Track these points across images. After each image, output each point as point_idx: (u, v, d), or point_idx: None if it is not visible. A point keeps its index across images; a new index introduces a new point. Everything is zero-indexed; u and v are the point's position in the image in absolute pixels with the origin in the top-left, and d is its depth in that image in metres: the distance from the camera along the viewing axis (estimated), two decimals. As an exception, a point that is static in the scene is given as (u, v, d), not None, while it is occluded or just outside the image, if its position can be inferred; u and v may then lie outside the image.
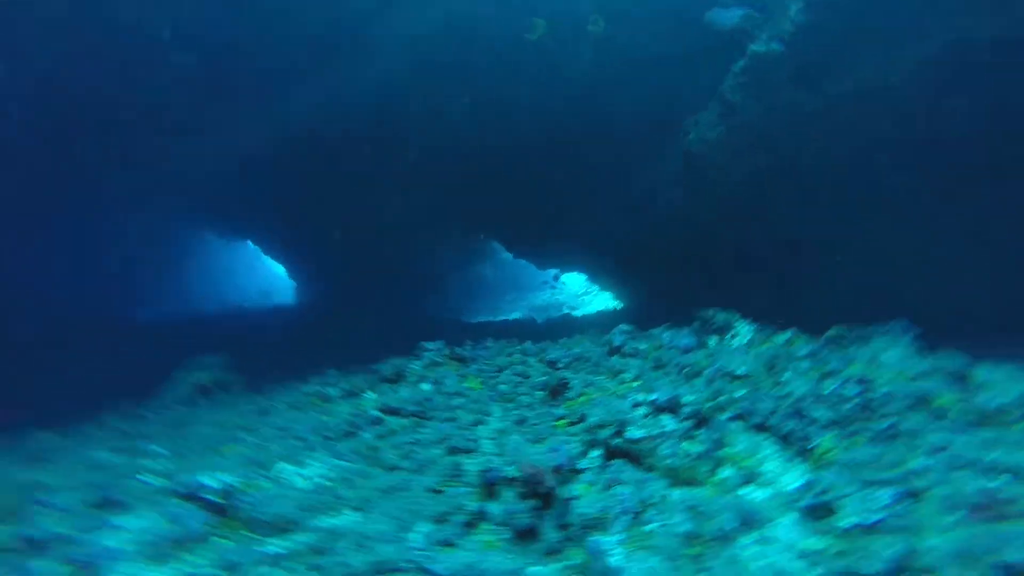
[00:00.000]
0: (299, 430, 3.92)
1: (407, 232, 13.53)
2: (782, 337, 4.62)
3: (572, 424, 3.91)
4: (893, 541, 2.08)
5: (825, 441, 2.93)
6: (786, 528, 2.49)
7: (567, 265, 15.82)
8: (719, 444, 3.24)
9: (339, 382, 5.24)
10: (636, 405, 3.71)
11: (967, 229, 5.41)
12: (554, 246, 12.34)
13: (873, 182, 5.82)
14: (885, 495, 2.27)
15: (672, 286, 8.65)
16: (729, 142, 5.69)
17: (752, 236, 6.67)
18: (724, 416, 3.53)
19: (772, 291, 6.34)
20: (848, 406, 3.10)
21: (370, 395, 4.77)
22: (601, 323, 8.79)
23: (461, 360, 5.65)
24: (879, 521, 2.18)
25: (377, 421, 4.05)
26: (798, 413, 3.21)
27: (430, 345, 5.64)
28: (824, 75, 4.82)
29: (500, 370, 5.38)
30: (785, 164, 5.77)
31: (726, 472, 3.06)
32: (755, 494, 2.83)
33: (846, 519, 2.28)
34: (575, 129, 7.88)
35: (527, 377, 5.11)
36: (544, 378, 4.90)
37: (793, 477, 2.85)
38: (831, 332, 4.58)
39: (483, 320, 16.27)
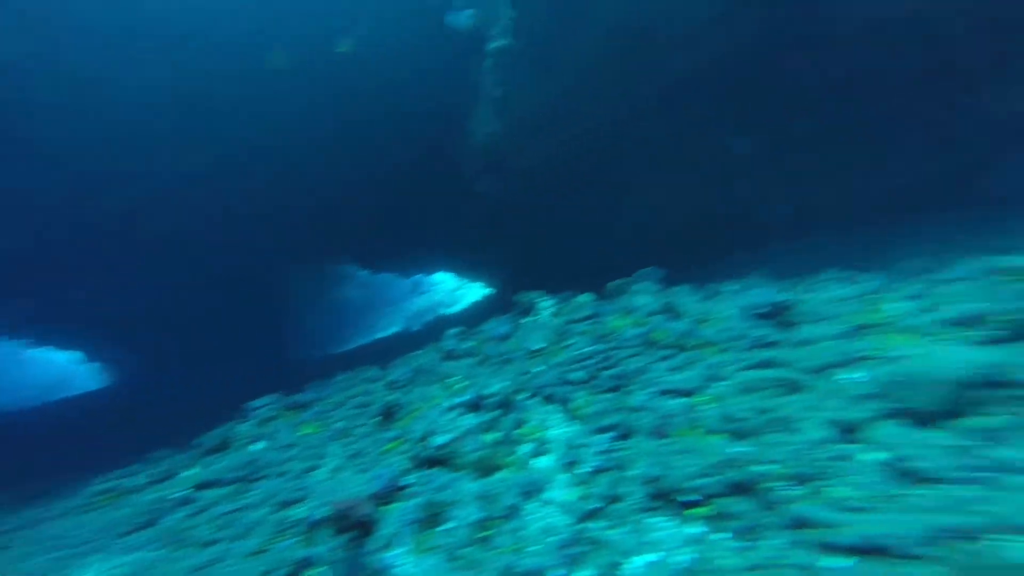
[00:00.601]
0: (79, 535, 3.53)
1: (249, 274, 12.36)
2: (579, 300, 5.27)
3: (403, 443, 4.09)
4: (611, 478, 2.63)
5: (579, 398, 3.50)
6: (559, 487, 2.96)
7: (429, 267, 15.87)
8: (518, 424, 3.68)
9: (147, 468, 4.77)
10: (451, 409, 4.02)
11: (706, 176, 6.66)
12: (409, 253, 12.30)
13: (634, 148, 6.82)
14: (605, 439, 2.83)
15: (510, 269, 9.26)
16: (508, 132, 6.21)
17: (555, 208, 7.41)
18: (522, 396, 3.99)
19: (579, 258, 7.17)
20: (593, 361, 3.73)
21: (188, 472, 4.44)
22: (475, 315, 9.06)
23: (299, 407, 5.48)
24: (600, 466, 2.72)
25: (187, 500, 3.82)
26: (566, 379, 3.77)
27: (260, 402, 5.37)
28: (554, 57, 5.40)
29: (340, 406, 5.34)
30: (559, 141, 6.45)
31: (524, 449, 3.50)
32: (542, 462, 3.30)
33: (584, 467, 2.80)
34: (368, 143, 7.88)
35: (367, 406, 5.16)
36: (382, 403, 5.00)
37: (566, 438, 3.37)
38: (608, 287, 5.36)
39: (353, 346, 15.69)
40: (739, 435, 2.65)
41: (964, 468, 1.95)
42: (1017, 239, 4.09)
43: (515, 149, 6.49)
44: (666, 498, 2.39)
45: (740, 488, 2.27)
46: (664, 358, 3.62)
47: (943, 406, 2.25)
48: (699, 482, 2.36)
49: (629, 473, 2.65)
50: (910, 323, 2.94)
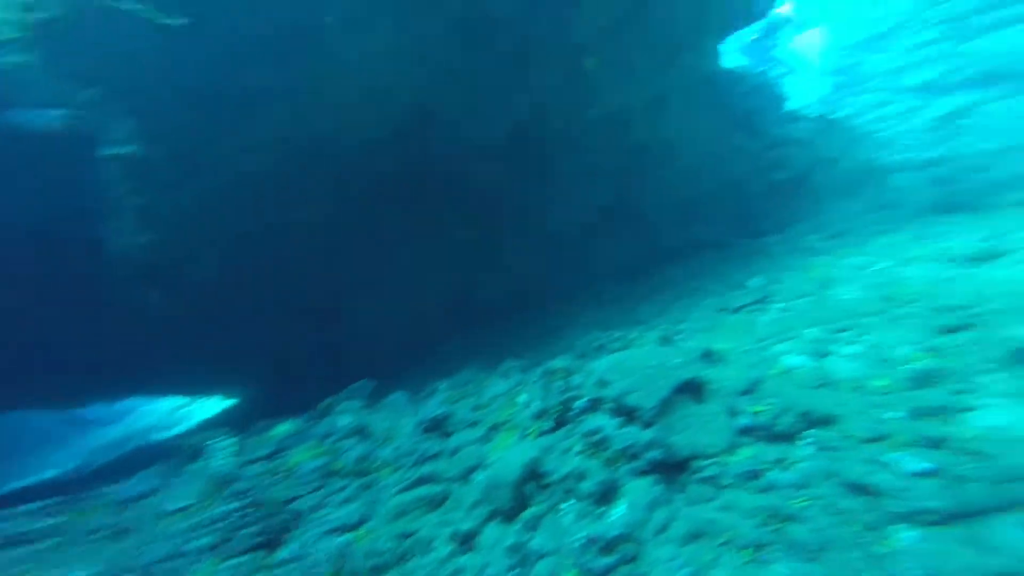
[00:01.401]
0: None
1: None
2: (276, 430, 4.92)
3: None
4: None
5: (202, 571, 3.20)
6: None
7: (106, 391, 12.19)
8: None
9: None
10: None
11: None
12: (64, 381, 9.21)
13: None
14: None
15: (248, 380, 8.09)
16: (163, 242, 5.57)
17: (260, 319, 6.92)
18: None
19: (304, 372, 6.82)
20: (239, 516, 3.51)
21: None
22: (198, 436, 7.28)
23: None
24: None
25: None
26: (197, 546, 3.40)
27: None
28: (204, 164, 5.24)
29: None
30: (239, 250, 6.09)
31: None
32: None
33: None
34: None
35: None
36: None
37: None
38: (321, 406, 5.22)
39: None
40: (379, 571, 2.81)
41: (514, 565, 2.50)
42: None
43: (179, 261, 5.82)
44: None
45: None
46: (339, 490, 3.63)
47: (516, 502, 2.87)
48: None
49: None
50: (518, 419, 3.75)
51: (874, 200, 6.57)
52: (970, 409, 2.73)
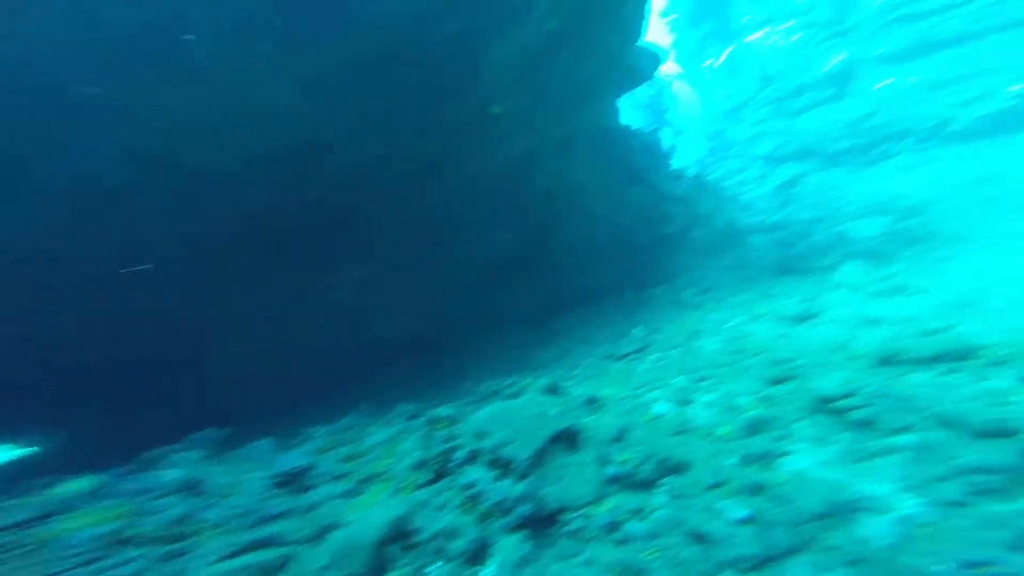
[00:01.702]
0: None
1: None
2: (69, 486, 4.13)
3: None
4: None
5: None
6: None
7: None
8: None
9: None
10: None
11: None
12: None
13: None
14: None
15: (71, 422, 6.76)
16: None
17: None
18: None
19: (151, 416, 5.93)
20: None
21: None
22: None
23: None
24: None
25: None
26: None
27: None
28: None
29: None
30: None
31: None
32: None
33: None
34: None
35: None
36: None
37: None
38: (144, 457, 4.54)
39: None
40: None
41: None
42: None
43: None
44: None
45: None
46: (123, 563, 3.09)
47: (373, 567, 2.74)
48: None
49: None
50: (395, 470, 3.64)
51: (736, 259, 7.62)
52: (785, 454, 3.22)
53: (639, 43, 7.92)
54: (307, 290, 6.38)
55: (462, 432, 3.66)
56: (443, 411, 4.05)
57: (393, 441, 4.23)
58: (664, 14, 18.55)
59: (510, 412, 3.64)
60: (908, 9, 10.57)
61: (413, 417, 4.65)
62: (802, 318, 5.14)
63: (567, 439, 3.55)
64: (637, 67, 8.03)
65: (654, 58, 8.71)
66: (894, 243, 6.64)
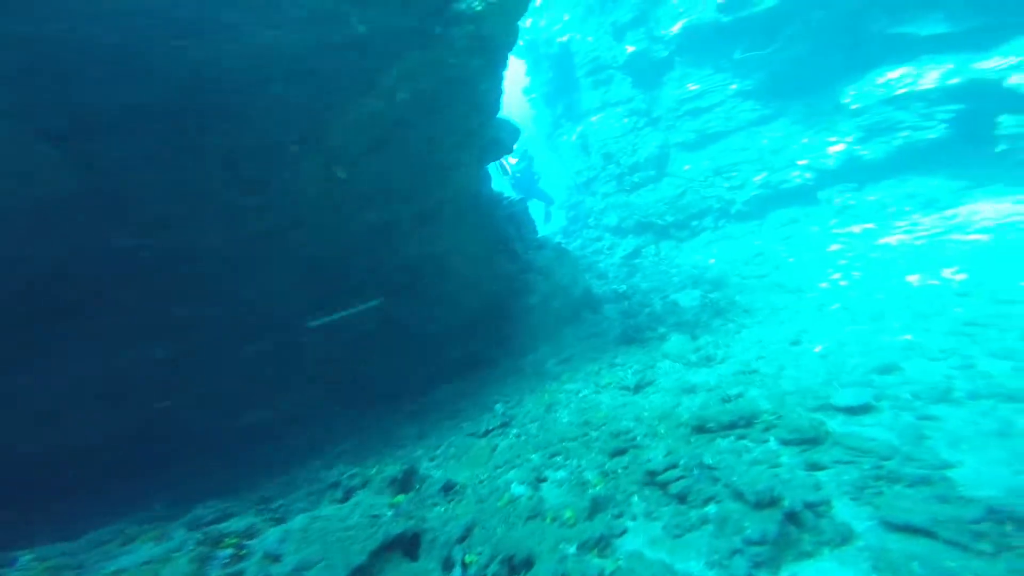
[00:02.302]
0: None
1: None
2: None
3: None
4: None
5: None
6: None
7: None
8: None
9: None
10: None
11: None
12: None
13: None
14: None
15: None
16: None
17: None
18: None
19: None
20: None
21: None
22: None
23: None
24: None
25: None
26: None
27: None
28: None
29: None
30: None
31: None
32: None
33: None
34: None
35: None
36: None
37: None
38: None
39: None
40: None
41: None
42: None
43: None
44: None
45: None
46: None
47: None
48: None
49: None
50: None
51: (590, 328, 8.46)
52: (621, 533, 3.61)
53: (498, 116, 8.67)
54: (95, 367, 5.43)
55: (256, 550, 3.26)
56: (236, 524, 3.61)
57: (150, 568, 3.55)
58: (526, 91, 20.67)
59: (329, 520, 3.39)
60: (691, 105, 13.31)
61: (201, 527, 4.03)
62: (638, 387, 5.90)
63: (405, 545, 3.42)
64: (499, 139, 8.65)
65: (515, 131, 9.52)
66: (706, 313, 8.06)
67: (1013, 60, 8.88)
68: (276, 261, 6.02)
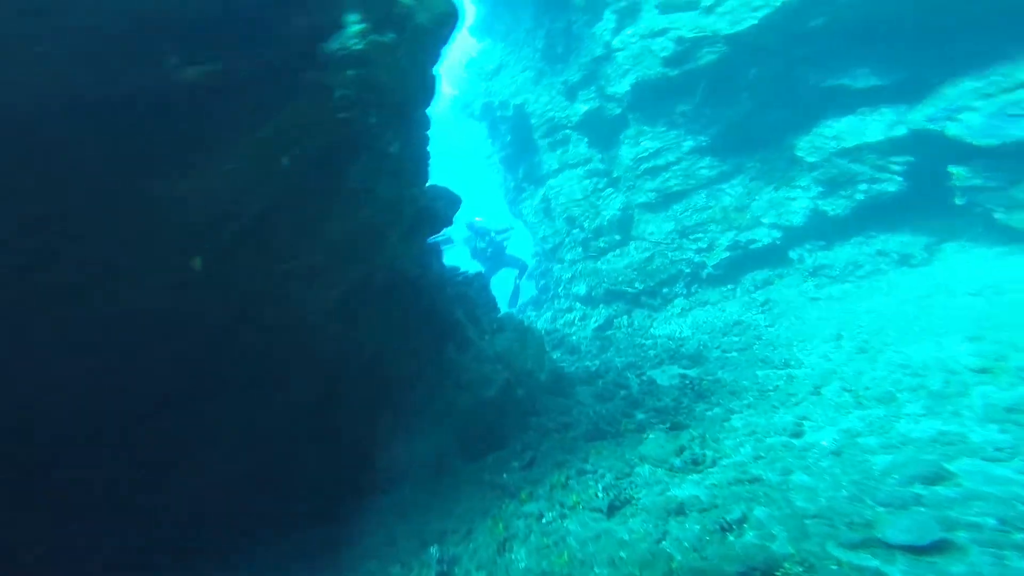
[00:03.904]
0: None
1: None
2: None
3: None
4: None
5: None
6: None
7: None
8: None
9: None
10: None
11: None
12: None
13: None
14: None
15: None
16: None
17: None
18: None
19: None
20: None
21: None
22: None
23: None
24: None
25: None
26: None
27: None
28: None
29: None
30: None
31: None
32: None
33: None
34: None
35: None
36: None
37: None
38: None
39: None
40: None
41: None
42: None
43: None
44: None
45: None
46: None
47: None
48: None
49: None
50: None
51: (557, 419, 7.25)
52: None
53: (431, 185, 7.74)
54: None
55: None
56: None
57: None
58: (486, 157, 20.50)
59: None
60: (649, 164, 12.87)
61: None
62: (613, 508, 4.64)
63: None
64: (434, 210, 7.61)
65: (454, 200, 8.49)
66: (687, 396, 7.00)
67: (944, 110, 8.80)
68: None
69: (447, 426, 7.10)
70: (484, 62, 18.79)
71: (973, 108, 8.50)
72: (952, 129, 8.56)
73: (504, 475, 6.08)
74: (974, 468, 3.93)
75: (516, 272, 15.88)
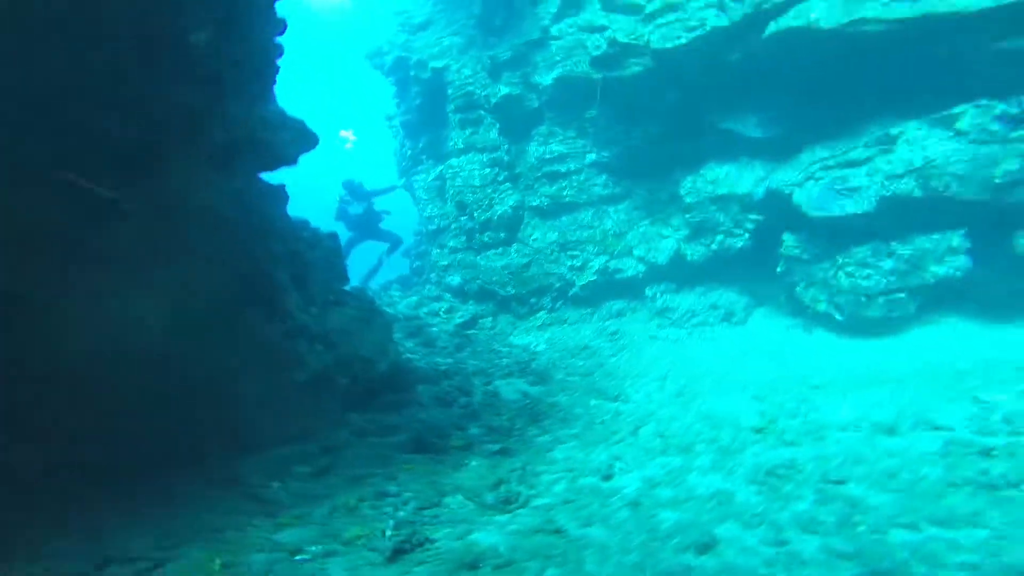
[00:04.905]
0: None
1: None
2: None
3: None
4: None
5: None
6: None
7: None
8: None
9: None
10: None
11: None
12: None
13: None
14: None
15: None
16: None
17: None
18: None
19: None
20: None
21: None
22: None
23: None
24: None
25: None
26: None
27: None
28: None
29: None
30: None
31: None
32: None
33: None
34: None
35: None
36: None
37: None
38: None
39: None
40: None
41: None
42: None
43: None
44: None
45: None
46: None
47: None
48: None
49: None
50: None
51: (380, 420, 6.66)
52: None
53: (282, 114, 6.40)
54: None
55: None
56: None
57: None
58: (388, 118, 18.72)
59: None
60: (550, 168, 12.66)
61: None
62: (398, 552, 4.13)
63: None
64: (266, 140, 6.25)
65: (308, 137, 7.13)
66: (523, 418, 6.95)
67: (801, 174, 8.92)
68: None
69: (212, 416, 5.84)
70: (411, 11, 16.92)
71: (817, 178, 8.77)
72: (797, 196, 8.87)
73: (276, 483, 5.17)
74: (733, 535, 4.27)
75: (387, 247, 14.76)
